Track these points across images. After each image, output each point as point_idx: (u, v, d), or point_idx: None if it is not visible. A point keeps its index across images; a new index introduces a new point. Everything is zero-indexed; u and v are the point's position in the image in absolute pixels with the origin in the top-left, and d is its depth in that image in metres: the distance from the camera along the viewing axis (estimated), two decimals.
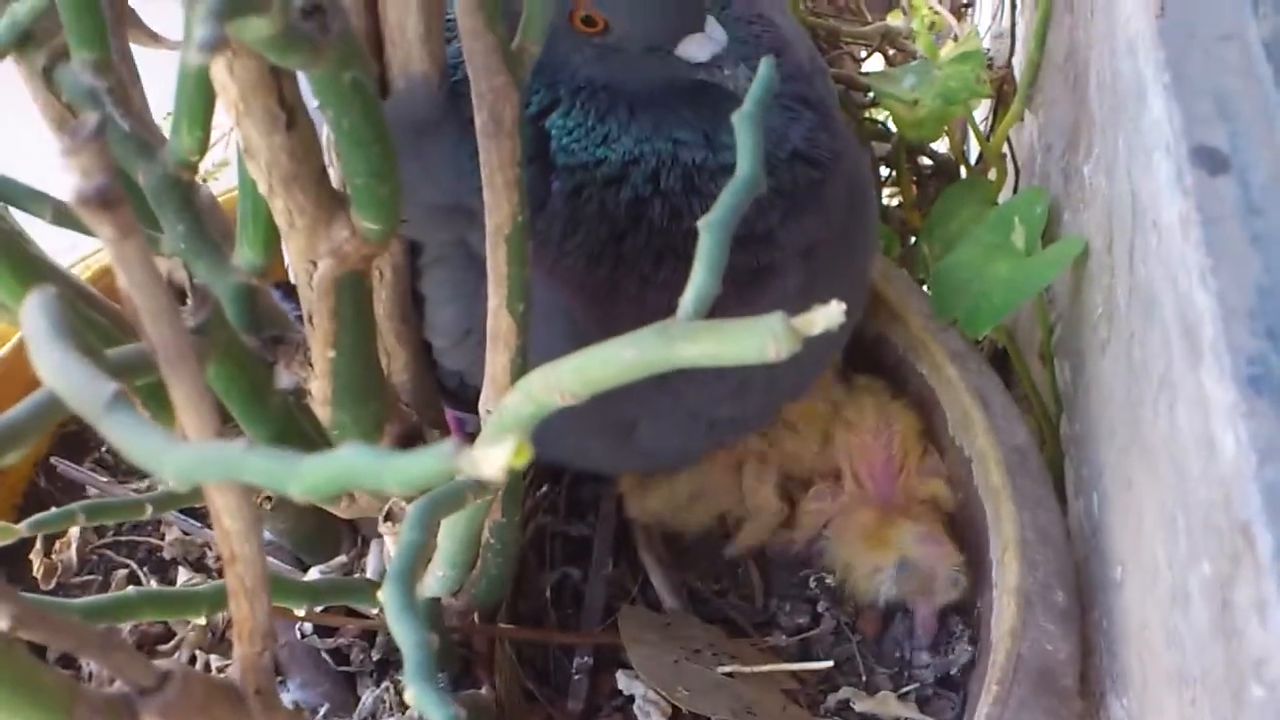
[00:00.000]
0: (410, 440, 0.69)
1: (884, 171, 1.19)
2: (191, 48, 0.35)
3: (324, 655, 0.81)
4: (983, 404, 0.86)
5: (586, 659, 0.82)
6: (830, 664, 0.83)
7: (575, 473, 0.93)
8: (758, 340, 0.42)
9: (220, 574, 0.86)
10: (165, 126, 0.65)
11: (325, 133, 0.58)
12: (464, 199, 0.70)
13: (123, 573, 0.87)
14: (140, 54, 0.69)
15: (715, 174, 0.71)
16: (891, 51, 1.26)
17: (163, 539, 0.88)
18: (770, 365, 0.79)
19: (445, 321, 0.75)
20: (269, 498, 0.77)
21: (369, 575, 0.81)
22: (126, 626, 0.81)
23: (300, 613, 0.70)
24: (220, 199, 0.70)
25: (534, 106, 0.70)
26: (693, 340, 0.44)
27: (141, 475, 0.91)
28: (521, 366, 0.62)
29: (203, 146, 0.59)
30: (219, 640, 0.82)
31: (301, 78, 0.51)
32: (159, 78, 0.71)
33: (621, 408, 0.76)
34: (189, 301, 0.56)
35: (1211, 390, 0.52)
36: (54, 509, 0.57)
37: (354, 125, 0.49)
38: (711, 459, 0.89)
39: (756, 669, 0.80)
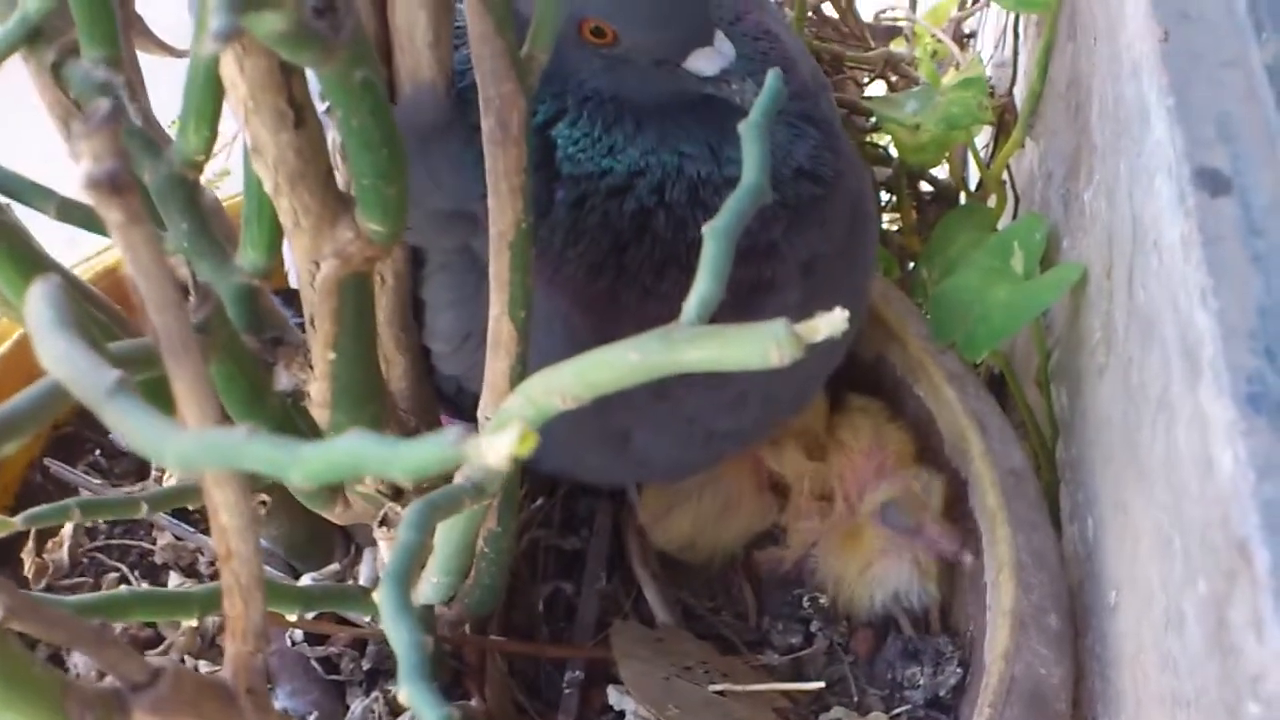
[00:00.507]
0: None
1: (884, 196, 1.20)
2: (205, 37, 0.35)
3: (314, 663, 0.81)
4: (980, 426, 0.86)
5: (578, 673, 0.82)
6: (822, 684, 0.83)
7: (570, 486, 0.93)
8: (760, 346, 0.42)
9: (211, 580, 0.86)
10: (170, 134, 0.65)
11: (332, 135, 0.58)
12: (468, 205, 0.70)
13: (113, 576, 0.86)
14: (144, 62, 0.69)
15: (720, 187, 0.71)
16: (894, 78, 1.26)
17: (154, 543, 0.88)
18: (768, 378, 0.79)
19: (445, 326, 0.75)
20: (264, 501, 0.77)
21: (362, 583, 0.81)
22: (117, 628, 0.80)
23: (292, 618, 0.69)
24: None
25: (541, 116, 0.71)
26: (695, 345, 0.44)
27: (134, 480, 0.91)
28: (521, 373, 0.62)
29: (209, 146, 0.59)
30: (209, 646, 0.82)
31: (311, 79, 0.51)
32: (162, 87, 0.71)
33: (618, 417, 0.76)
34: (191, 299, 0.56)
35: (1210, 408, 0.53)
36: (45, 506, 0.57)
37: (363, 125, 0.49)
38: (737, 477, 0.89)
39: (748, 688, 0.80)
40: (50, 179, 0.62)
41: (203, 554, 0.88)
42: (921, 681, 0.84)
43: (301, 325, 0.66)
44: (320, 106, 0.54)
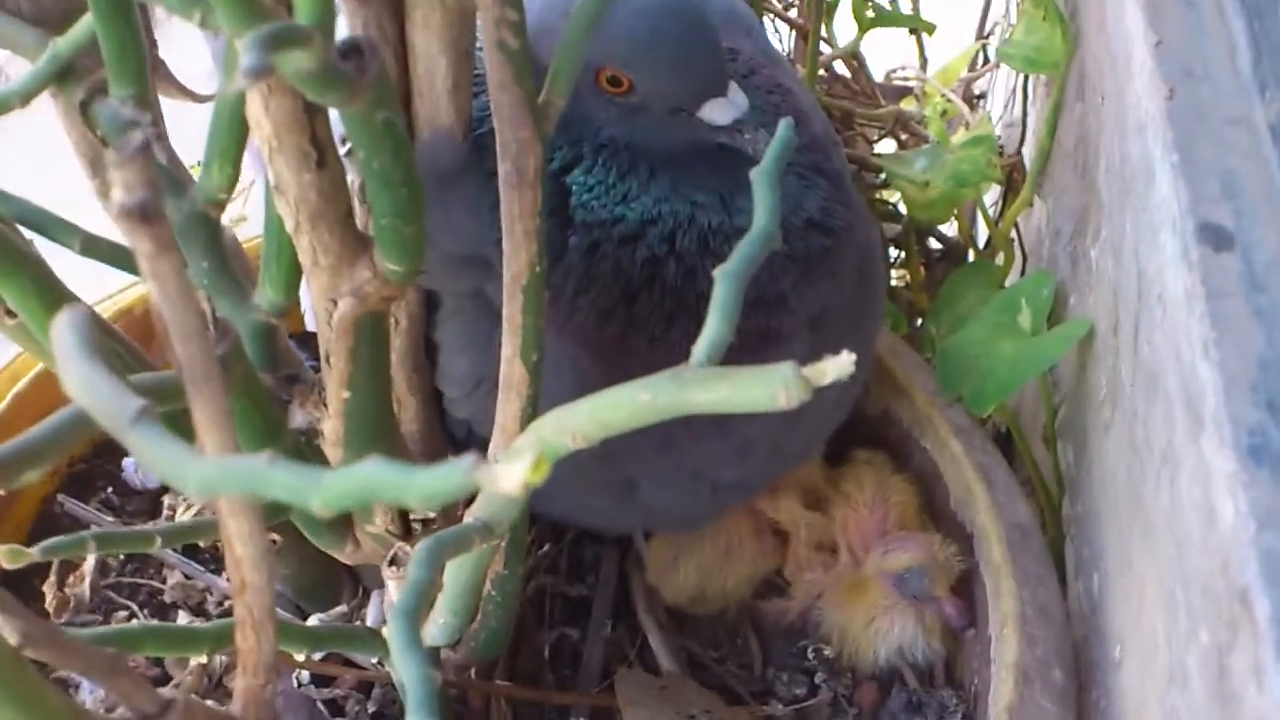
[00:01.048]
0: None
1: (893, 253, 1.21)
2: (236, 74, 0.36)
3: (319, 705, 0.81)
4: (986, 480, 0.86)
5: None
6: None
7: (577, 533, 0.93)
8: (769, 388, 0.43)
9: (219, 618, 0.86)
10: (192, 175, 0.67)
11: (351, 176, 0.59)
12: (482, 250, 0.71)
13: (123, 614, 0.87)
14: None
15: (730, 237, 0.72)
16: (904, 135, 1.28)
17: (164, 582, 0.89)
18: (773, 431, 0.80)
19: (458, 370, 0.75)
20: (274, 540, 0.77)
21: (369, 625, 0.82)
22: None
23: (300, 658, 0.70)
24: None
25: (556, 162, 0.72)
26: (705, 386, 0.45)
27: (146, 518, 0.92)
28: (532, 415, 0.63)
29: (231, 184, 0.60)
30: (215, 686, 0.82)
31: (333, 121, 0.52)
32: (178, 132, 0.73)
33: (624, 467, 0.77)
34: (210, 335, 0.57)
35: (1212, 459, 0.53)
36: (62, 538, 0.58)
37: (384, 166, 0.50)
38: (736, 523, 0.89)
39: None
40: (74, 216, 0.64)
41: (211, 593, 0.88)
42: None
43: (315, 368, 0.67)
44: (341, 149, 0.55)
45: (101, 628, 0.60)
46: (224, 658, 0.81)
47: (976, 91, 1.45)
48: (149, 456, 0.36)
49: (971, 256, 1.16)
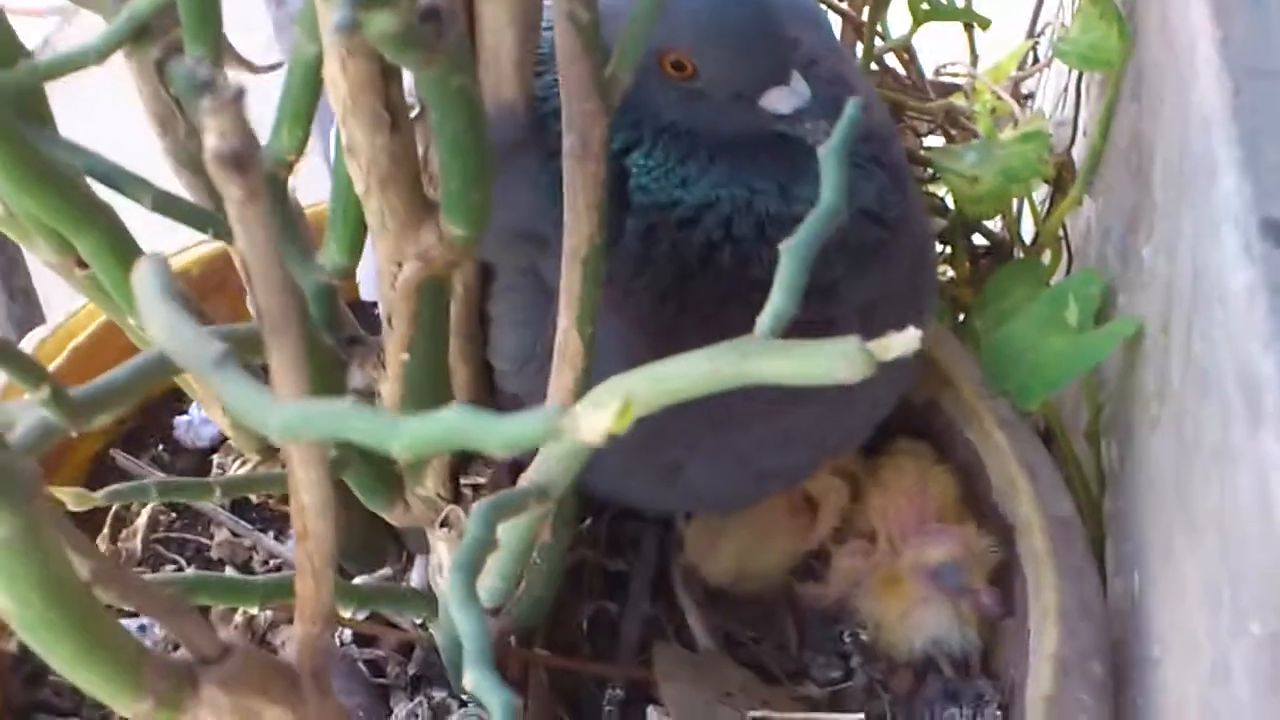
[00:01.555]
0: (469, 455, 0.71)
1: (939, 247, 1.21)
2: (330, 25, 0.37)
3: (360, 665, 0.82)
4: (1030, 473, 0.87)
5: (618, 691, 0.83)
6: (861, 717, 0.83)
7: (617, 509, 0.94)
8: (831, 361, 0.43)
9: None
10: None
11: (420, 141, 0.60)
12: (539, 226, 0.72)
13: (171, 567, 0.88)
14: None
15: (787, 224, 0.72)
16: (953, 130, 1.28)
17: (211, 538, 0.90)
18: (820, 419, 0.80)
19: (510, 345, 0.76)
20: None
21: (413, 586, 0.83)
22: None
23: (346, 615, 0.71)
24: None
25: (616, 144, 0.72)
26: (768, 357, 0.45)
27: (195, 475, 0.93)
28: (585, 388, 0.64)
29: (301, 146, 0.61)
30: (260, 641, 0.83)
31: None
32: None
33: (670, 450, 0.78)
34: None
35: (1272, 452, 0.53)
36: (126, 484, 0.59)
37: (456, 131, 0.51)
38: (774, 505, 0.90)
39: (788, 716, 0.81)
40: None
41: (257, 551, 0.89)
42: None
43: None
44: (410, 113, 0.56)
45: (158, 574, 0.62)
46: (268, 615, 0.82)
47: (1025, 91, 1.45)
48: (232, 398, 0.36)
49: (1018, 253, 1.16)
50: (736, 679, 0.83)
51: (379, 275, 0.59)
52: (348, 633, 0.82)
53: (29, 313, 1.14)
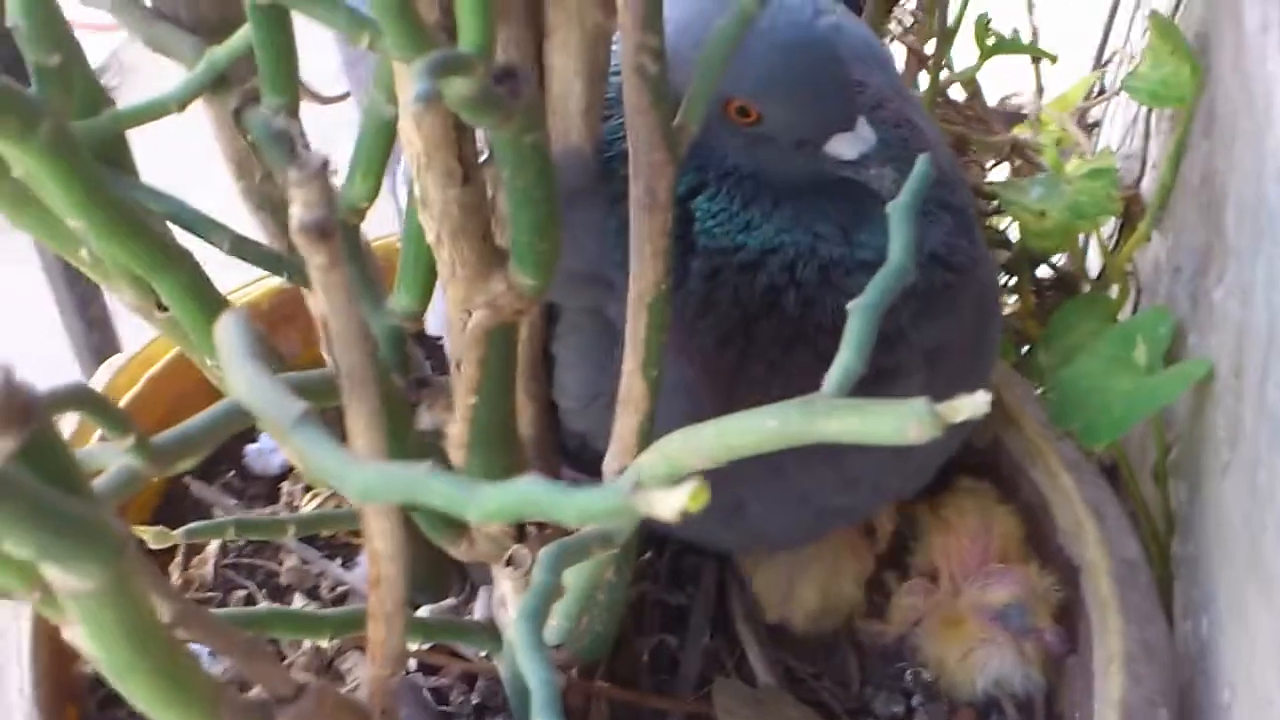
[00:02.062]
0: None
1: (1002, 279, 1.20)
2: (410, 100, 0.38)
3: (426, 693, 0.83)
4: (1096, 515, 0.86)
5: None
6: None
7: (680, 544, 0.94)
8: (900, 421, 0.43)
9: (333, 604, 0.89)
10: None
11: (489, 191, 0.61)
12: (604, 269, 0.73)
13: (241, 594, 0.90)
14: None
15: (851, 270, 0.72)
16: (1018, 163, 1.27)
17: (280, 564, 0.91)
18: (882, 462, 0.80)
19: (575, 384, 0.77)
20: None
21: (477, 619, 0.84)
22: None
23: (411, 648, 0.72)
24: None
25: (681, 187, 0.73)
26: (835, 416, 0.46)
27: (264, 502, 0.95)
28: (649, 431, 0.64)
29: (373, 195, 0.62)
30: (326, 668, 0.84)
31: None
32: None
33: (732, 489, 0.78)
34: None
35: None
36: (203, 521, 0.60)
37: (527, 185, 0.52)
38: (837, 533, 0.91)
39: None
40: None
41: (324, 578, 0.91)
42: None
43: (432, 367, 0.69)
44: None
45: (230, 609, 0.63)
46: (336, 641, 0.83)
47: (1091, 120, 1.44)
48: (312, 458, 0.37)
49: (1084, 288, 1.16)
50: (796, 716, 0.83)
51: (448, 323, 0.61)
52: (413, 661, 0.84)
53: (105, 341, 1.17)
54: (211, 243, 0.62)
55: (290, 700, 0.49)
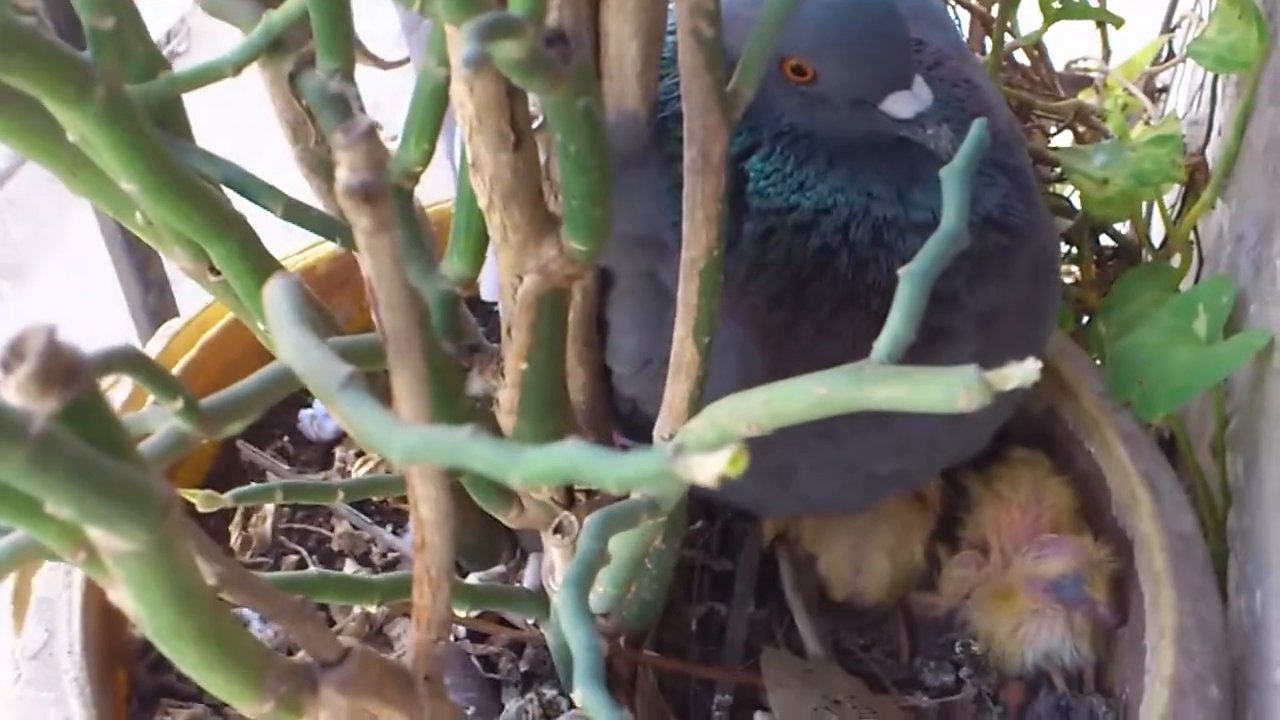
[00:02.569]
0: None
1: (1064, 248, 1.18)
2: (460, 62, 0.38)
3: (474, 660, 0.84)
4: (1151, 488, 0.85)
5: (727, 696, 0.83)
6: None
7: (730, 512, 0.94)
8: (949, 390, 0.43)
9: (383, 569, 0.90)
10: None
11: (542, 154, 0.61)
12: (658, 232, 0.72)
13: (293, 559, 0.91)
14: None
15: (905, 231, 0.71)
16: (1082, 129, 1.25)
17: (332, 530, 0.92)
18: (934, 427, 0.79)
19: (627, 349, 0.77)
20: None
21: (526, 586, 0.84)
22: None
23: (460, 614, 0.72)
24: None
25: (735, 147, 0.72)
26: (884, 384, 0.45)
27: (319, 468, 0.96)
28: (699, 398, 0.64)
29: (426, 159, 0.62)
30: (375, 633, 0.85)
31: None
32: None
33: (782, 453, 0.77)
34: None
35: None
36: (252, 485, 0.61)
37: (579, 150, 0.51)
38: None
39: None
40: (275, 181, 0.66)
41: (375, 544, 0.91)
42: None
43: (485, 335, 0.69)
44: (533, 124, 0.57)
45: (279, 573, 0.64)
46: (385, 608, 0.84)
47: (1159, 85, 1.41)
48: (356, 421, 0.37)
49: (1146, 256, 1.14)
50: (845, 687, 0.83)
51: (500, 287, 0.60)
52: (461, 629, 0.84)
53: (164, 304, 1.18)
54: (265, 207, 0.62)
55: (335, 665, 0.49)
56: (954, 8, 1.24)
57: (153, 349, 0.92)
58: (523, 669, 0.84)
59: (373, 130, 0.36)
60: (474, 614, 0.82)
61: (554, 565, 0.72)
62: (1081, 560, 0.87)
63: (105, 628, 0.81)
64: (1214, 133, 1.13)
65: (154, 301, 1.16)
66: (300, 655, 0.51)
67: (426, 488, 0.47)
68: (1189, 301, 0.93)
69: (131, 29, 0.58)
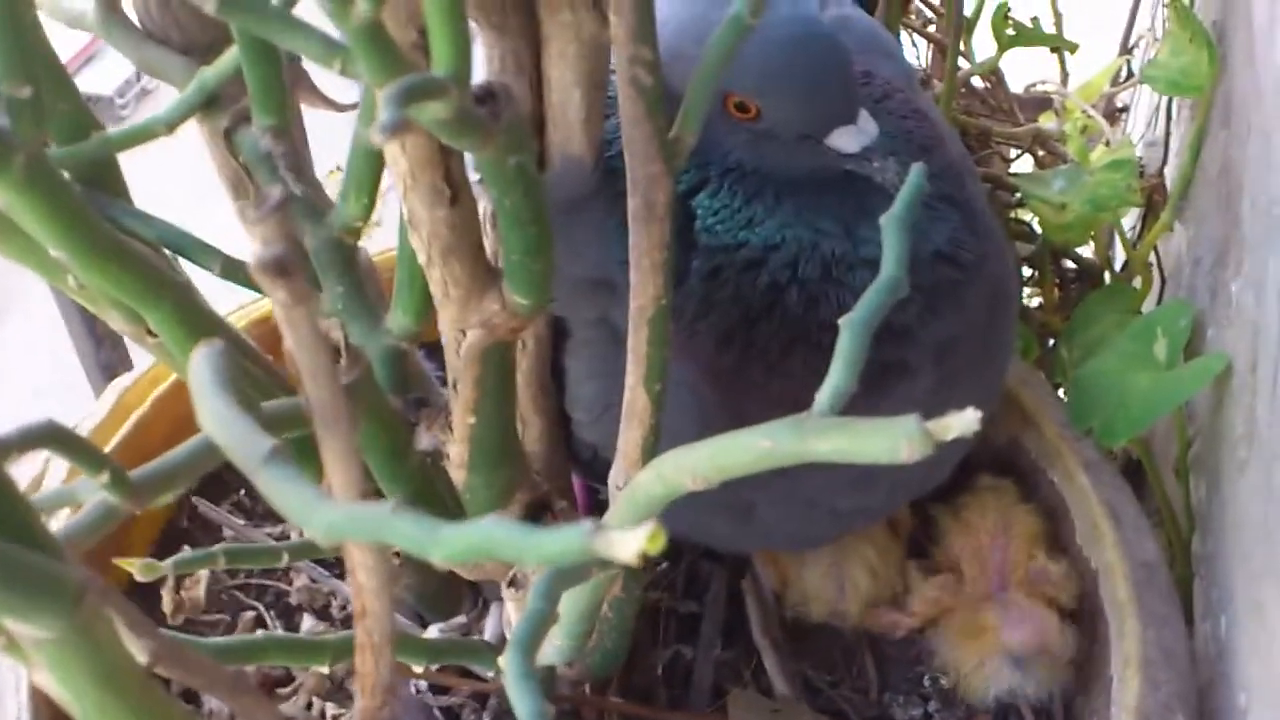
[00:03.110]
0: (539, 508, 0.71)
1: (1026, 272, 1.18)
2: (374, 129, 0.37)
3: (436, 713, 0.82)
4: (1113, 517, 0.84)
5: None
6: None
7: (696, 551, 0.93)
8: (890, 441, 0.42)
9: (343, 624, 0.88)
10: (326, 182, 0.68)
11: (483, 205, 0.60)
12: (609, 274, 0.72)
13: (250, 615, 0.89)
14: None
15: (854, 266, 0.71)
16: (1041, 153, 1.25)
17: (290, 584, 0.91)
18: (893, 465, 0.79)
19: (586, 396, 0.76)
20: (398, 553, 0.79)
21: (487, 637, 0.83)
22: (251, 668, 0.83)
23: (418, 669, 0.71)
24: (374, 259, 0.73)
25: (683, 185, 0.71)
26: (826, 436, 0.45)
27: (275, 521, 0.94)
28: (653, 444, 0.63)
29: (367, 213, 0.61)
30: (337, 688, 0.84)
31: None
32: (321, 133, 0.74)
33: (741, 492, 0.77)
34: (342, 361, 0.59)
35: None
36: (193, 549, 0.60)
37: (515, 206, 0.51)
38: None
39: None
40: (214, 231, 0.66)
41: (335, 597, 0.90)
42: None
43: (442, 379, 0.68)
44: (472, 176, 0.56)
45: (228, 638, 0.62)
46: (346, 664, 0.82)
47: (1119, 104, 1.42)
48: (278, 498, 0.37)
49: (1108, 279, 1.14)
50: None
51: (445, 342, 0.60)
52: (423, 681, 0.83)
53: (118, 358, 1.17)
54: (203, 266, 0.61)
55: None
56: (910, 36, 1.25)
57: (103, 405, 0.91)
58: None
59: (285, 202, 0.35)
60: (435, 667, 0.81)
61: (511, 620, 0.71)
62: (1040, 643, 0.86)
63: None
64: (1171, 154, 1.13)
65: (106, 356, 1.15)
66: None
67: (364, 555, 0.46)
68: (1148, 326, 0.92)
69: (58, 91, 0.58)
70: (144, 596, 0.87)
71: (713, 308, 0.72)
